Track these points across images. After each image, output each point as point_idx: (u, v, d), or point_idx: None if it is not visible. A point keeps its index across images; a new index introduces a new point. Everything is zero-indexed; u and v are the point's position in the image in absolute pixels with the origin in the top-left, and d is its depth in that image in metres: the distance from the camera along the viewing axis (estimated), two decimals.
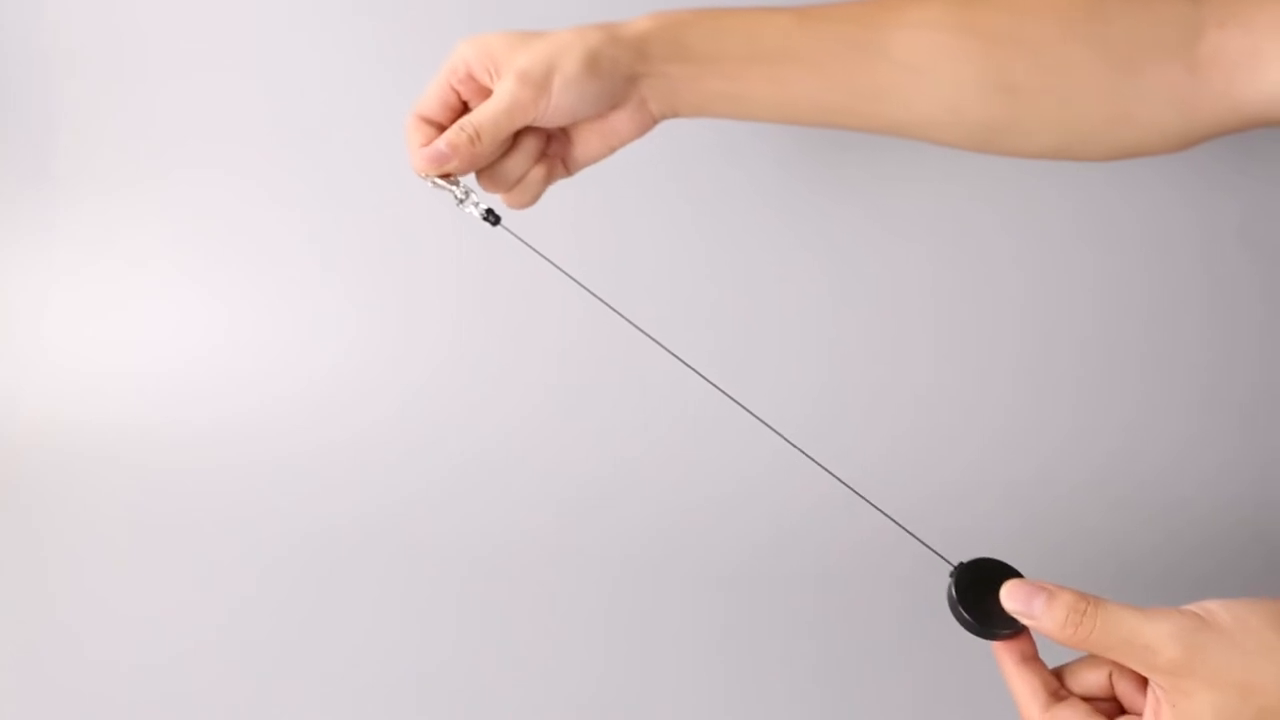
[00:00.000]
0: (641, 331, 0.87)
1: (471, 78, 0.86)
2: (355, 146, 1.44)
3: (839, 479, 0.81)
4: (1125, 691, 0.69)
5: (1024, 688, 0.69)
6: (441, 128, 0.85)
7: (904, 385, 1.44)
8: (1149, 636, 0.63)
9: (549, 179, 0.90)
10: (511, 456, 1.47)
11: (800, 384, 1.44)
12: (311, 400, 1.51)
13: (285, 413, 1.50)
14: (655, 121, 0.89)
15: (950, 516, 1.34)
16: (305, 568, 1.37)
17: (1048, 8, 0.83)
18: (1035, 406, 1.43)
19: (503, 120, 0.83)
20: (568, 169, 0.91)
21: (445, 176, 0.85)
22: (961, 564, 0.71)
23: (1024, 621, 0.67)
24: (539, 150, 0.89)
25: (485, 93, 0.85)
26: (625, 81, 0.85)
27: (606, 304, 0.87)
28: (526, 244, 0.87)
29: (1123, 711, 0.69)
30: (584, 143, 0.90)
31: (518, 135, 0.87)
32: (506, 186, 0.88)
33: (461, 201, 0.87)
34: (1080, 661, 0.70)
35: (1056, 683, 0.70)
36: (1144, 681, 0.67)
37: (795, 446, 0.83)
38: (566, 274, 0.88)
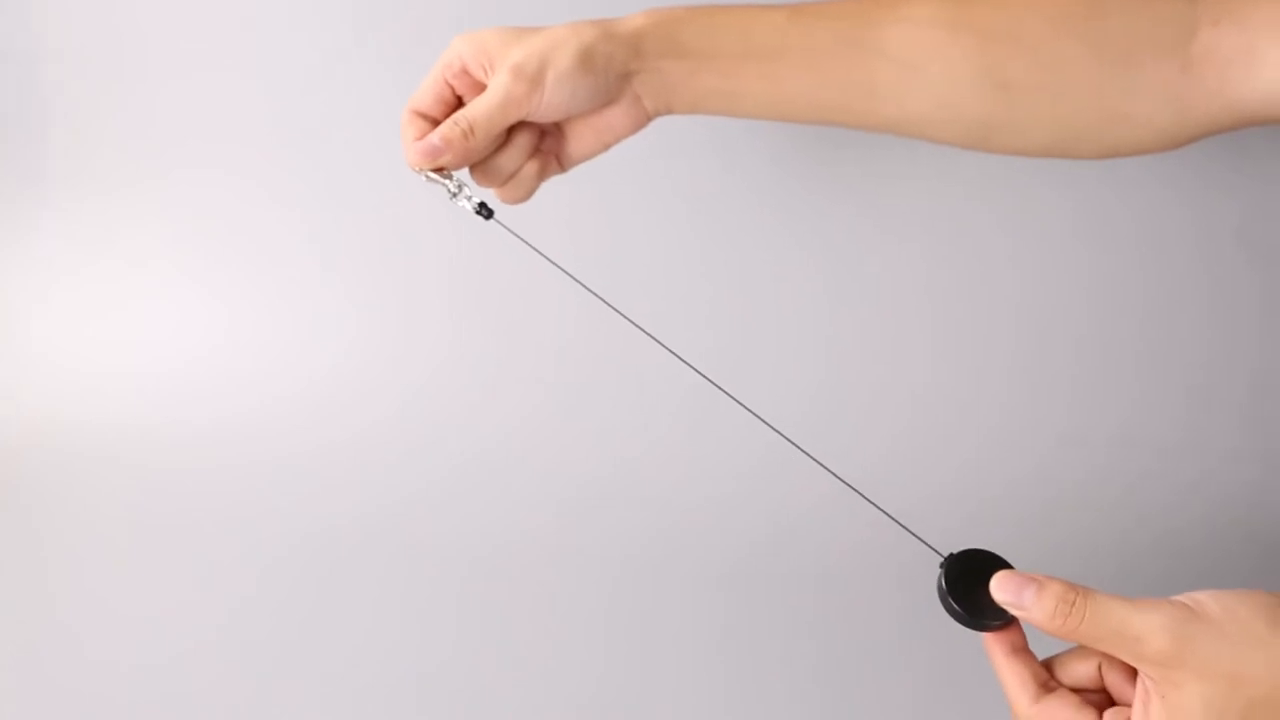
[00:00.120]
0: (638, 327, 0.87)
1: (466, 73, 0.86)
2: (355, 146, 1.44)
3: (832, 472, 0.81)
4: (1115, 683, 0.69)
5: (1013, 679, 0.69)
6: (436, 122, 0.85)
7: (900, 383, 1.44)
8: (1138, 627, 0.63)
9: (543, 175, 0.90)
10: (511, 456, 1.47)
11: (797, 382, 1.44)
12: (311, 400, 1.51)
13: (285, 413, 1.51)
14: (649, 118, 0.89)
15: (945, 514, 1.34)
16: (305, 568, 1.37)
17: (1044, 4, 0.83)
18: (1031, 405, 1.43)
19: (496, 115, 0.83)
20: (561, 165, 0.91)
21: (439, 171, 0.85)
22: (951, 555, 0.71)
23: (1013, 612, 0.67)
24: (533, 146, 0.89)
25: (480, 88, 0.86)
26: (619, 78, 0.85)
27: (604, 300, 0.87)
28: (520, 238, 0.88)
29: (1112, 703, 0.69)
30: (578, 139, 0.90)
31: (512, 130, 0.87)
32: (500, 181, 0.89)
33: (455, 196, 0.87)
34: (1070, 653, 0.70)
35: (1046, 674, 0.69)
36: (1133, 672, 0.67)
37: (792, 442, 0.83)
38: (562, 269, 0.88)
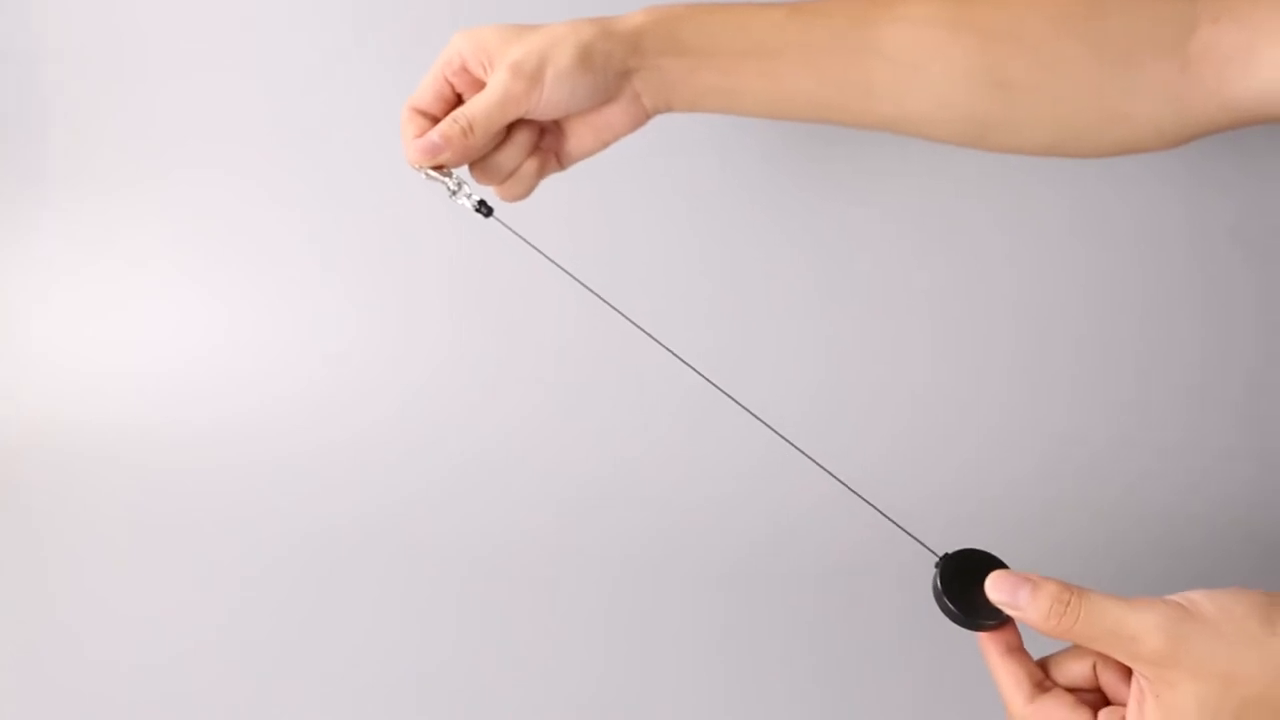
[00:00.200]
0: (637, 327, 0.87)
1: (465, 70, 0.86)
2: (355, 146, 1.44)
3: (831, 473, 0.81)
4: (1110, 682, 0.69)
5: (1008, 679, 0.69)
6: (436, 120, 0.86)
7: (898, 383, 1.44)
8: (1133, 627, 0.63)
9: (542, 172, 0.91)
10: (511, 456, 1.47)
11: (796, 382, 1.44)
12: (311, 400, 1.51)
13: (285, 413, 1.50)
14: (648, 116, 0.90)
15: (944, 513, 1.34)
16: (305, 568, 1.37)
17: (1044, 4, 0.83)
18: (1029, 404, 1.43)
19: (495, 112, 0.83)
20: (560, 163, 0.92)
21: (439, 168, 0.85)
22: (947, 555, 0.71)
23: (1008, 612, 0.67)
24: (532, 143, 0.89)
25: (479, 85, 0.86)
26: (618, 76, 0.85)
27: (604, 300, 0.87)
28: (519, 236, 0.88)
29: (1107, 702, 0.69)
30: (577, 136, 0.90)
31: (511, 128, 0.87)
32: (499, 179, 0.89)
33: (454, 193, 0.87)
34: (1065, 652, 0.70)
35: (1041, 674, 0.69)
36: (1128, 672, 0.67)
37: (791, 443, 0.83)
38: (561, 268, 0.88)
